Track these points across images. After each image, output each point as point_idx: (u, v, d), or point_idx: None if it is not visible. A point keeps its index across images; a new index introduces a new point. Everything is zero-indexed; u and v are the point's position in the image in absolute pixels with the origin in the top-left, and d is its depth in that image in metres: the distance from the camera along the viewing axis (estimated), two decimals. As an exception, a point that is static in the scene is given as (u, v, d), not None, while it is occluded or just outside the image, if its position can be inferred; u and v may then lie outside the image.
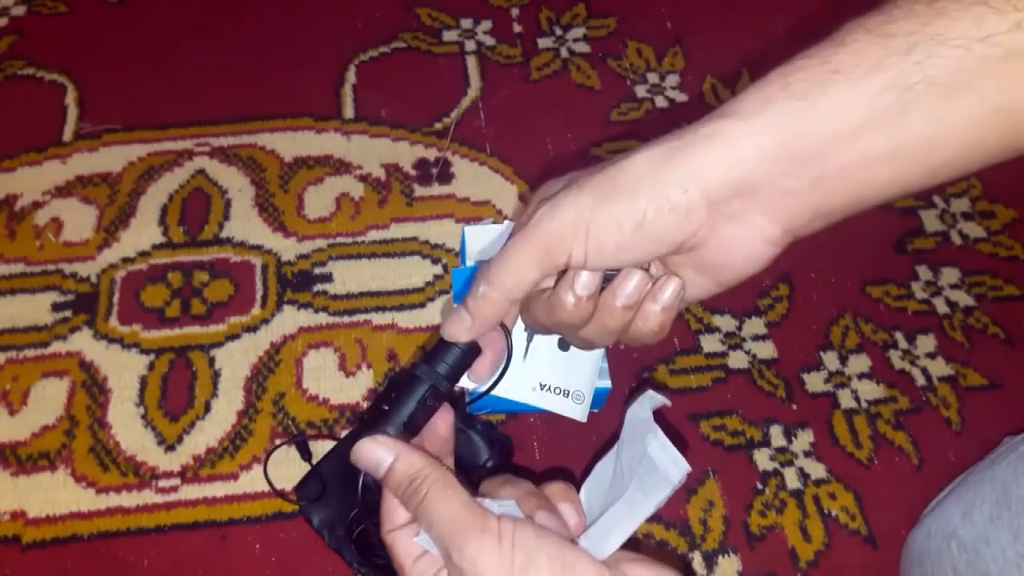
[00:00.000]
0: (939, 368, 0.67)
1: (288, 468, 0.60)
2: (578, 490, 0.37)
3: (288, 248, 0.71)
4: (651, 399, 0.34)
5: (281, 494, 0.59)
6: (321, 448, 0.60)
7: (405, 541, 0.34)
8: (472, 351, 0.37)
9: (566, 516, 0.34)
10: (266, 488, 0.59)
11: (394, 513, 0.35)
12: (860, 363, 0.67)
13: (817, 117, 0.29)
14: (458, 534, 0.31)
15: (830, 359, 0.67)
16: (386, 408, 0.36)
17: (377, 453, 0.34)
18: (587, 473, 0.37)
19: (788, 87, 0.29)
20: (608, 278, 0.34)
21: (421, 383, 0.36)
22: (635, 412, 0.34)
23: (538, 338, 0.51)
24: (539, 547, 0.30)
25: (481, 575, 0.30)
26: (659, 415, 0.34)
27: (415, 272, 0.70)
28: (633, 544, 0.33)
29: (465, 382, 0.39)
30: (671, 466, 0.31)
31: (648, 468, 0.32)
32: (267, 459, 0.60)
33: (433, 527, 0.32)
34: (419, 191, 0.74)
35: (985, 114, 0.28)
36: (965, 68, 0.27)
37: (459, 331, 0.35)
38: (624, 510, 0.32)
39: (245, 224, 0.72)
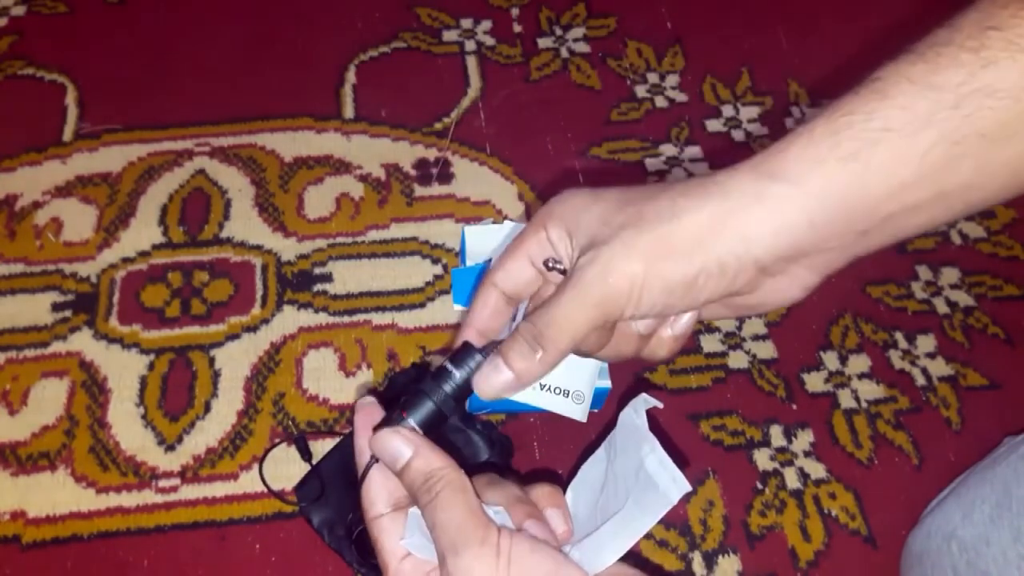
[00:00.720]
0: (939, 368, 0.67)
1: (288, 468, 0.60)
2: (564, 490, 0.37)
3: (288, 248, 0.71)
4: (644, 402, 0.33)
5: (278, 495, 0.59)
6: (321, 448, 0.60)
7: (392, 539, 0.34)
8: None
9: (553, 523, 0.34)
10: (266, 488, 0.59)
11: (377, 498, 0.34)
12: (860, 363, 0.67)
13: (868, 178, 0.29)
14: (459, 541, 0.31)
15: (830, 359, 0.67)
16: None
17: (397, 446, 0.33)
18: (574, 473, 0.36)
19: (838, 146, 0.29)
20: None
21: (430, 396, 0.35)
22: (629, 417, 0.33)
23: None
24: (535, 564, 0.31)
25: None
26: (655, 418, 0.33)
27: (415, 272, 0.70)
28: (631, 549, 0.33)
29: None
30: (671, 485, 0.31)
31: (646, 485, 0.31)
32: (262, 460, 0.60)
33: (436, 528, 0.32)
34: (419, 191, 0.74)
35: None
36: (1012, 118, 0.27)
37: (500, 387, 0.34)
38: (620, 527, 0.32)
39: (245, 224, 0.72)
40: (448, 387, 0.35)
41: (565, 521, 0.35)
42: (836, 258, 0.31)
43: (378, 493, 0.34)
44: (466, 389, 0.36)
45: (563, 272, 0.35)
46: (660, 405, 0.33)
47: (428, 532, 0.32)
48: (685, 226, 0.31)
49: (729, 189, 0.30)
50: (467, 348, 0.36)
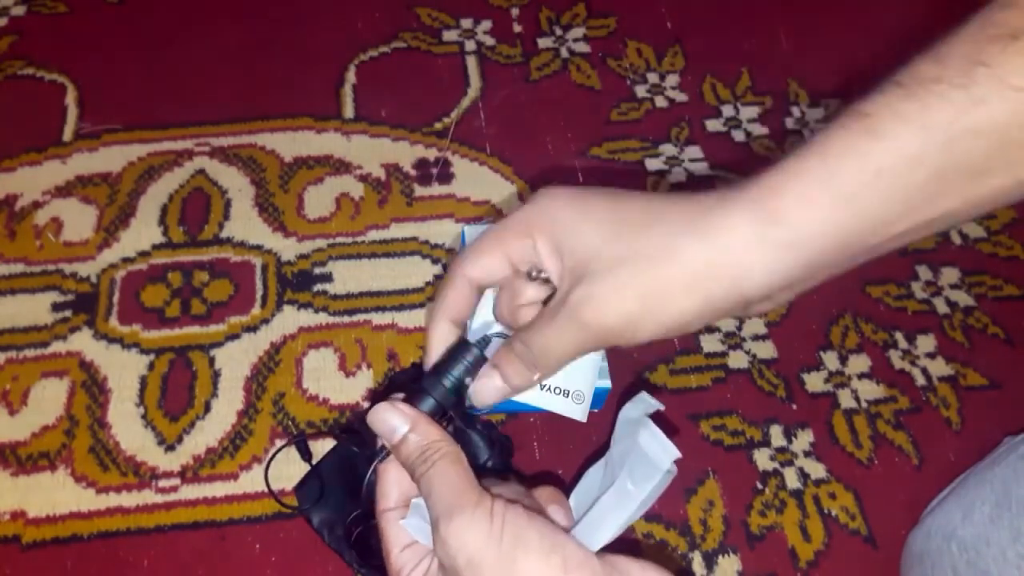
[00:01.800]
0: (939, 368, 0.67)
1: (288, 468, 0.60)
2: (567, 496, 0.37)
3: (288, 248, 0.71)
4: (644, 402, 0.34)
5: (280, 500, 0.59)
6: (321, 448, 0.60)
7: (395, 527, 0.34)
8: (480, 362, 0.37)
9: (556, 519, 0.34)
10: (266, 488, 0.59)
11: (389, 492, 0.35)
12: (860, 363, 0.67)
13: (862, 219, 0.30)
14: (453, 506, 0.31)
15: (830, 359, 0.67)
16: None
17: (393, 420, 0.34)
18: (577, 479, 0.37)
19: (833, 189, 0.29)
20: None
21: (430, 391, 0.36)
22: (627, 413, 0.34)
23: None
24: (529, 527, 0.31)
25: (466, 547, 0.30)
26: (656, 418, 0.34)
27: (415, 272, 0.70)
28: (633, 545, 0.33)
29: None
30: (661, 454, 0.31)
31: (638, 457, 0.32)
32: (268, 465, 0.60)
33: (431, 496, 0.32)
34: (419, 191, 0.74)
35: (1009, 184, 0.29)
36: (996, 153, 0.28)
37: (492, 396, 0.36)
38: (613, 501, 0.32)
39: (245, 224, 0.72)
40: (447, 382, 0.36)
41: (566, 517, 0.35)
42: (823, 280, 0.32)
43: (391, 488, 0.35)
44: (463, 384, 0.36)
45: (546, 281, 0.36)
46: (661, 407, 0.34)
47: (427, 516, 0.32)
48: (680, 268, 0.31)
49: (724, 229, 0.31)
50: (463, 344, 0.37)
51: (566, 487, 0.37)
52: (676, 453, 0.32)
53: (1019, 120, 0.27)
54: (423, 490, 0.33)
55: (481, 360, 0.37)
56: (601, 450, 0.38)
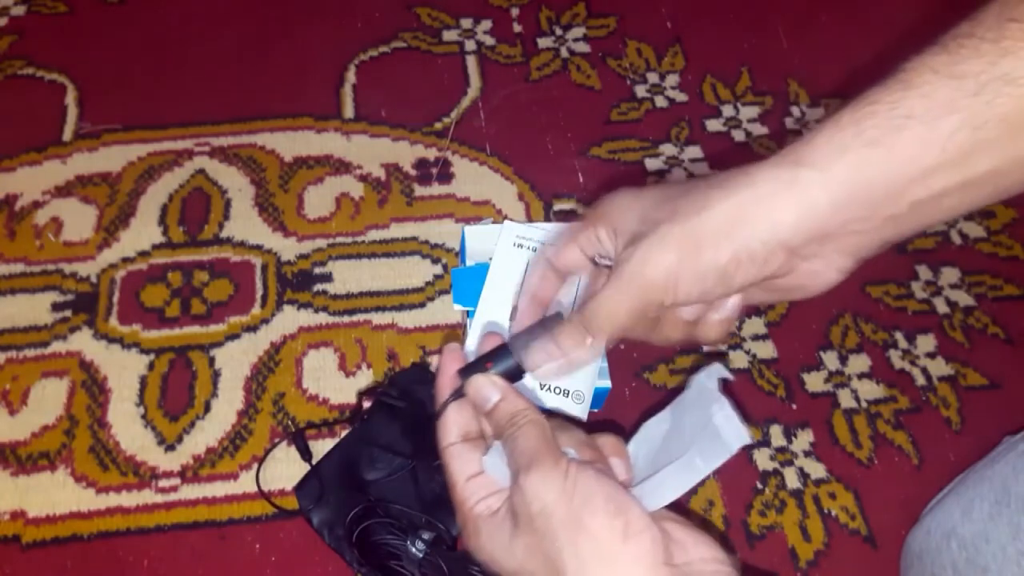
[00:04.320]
0: (939, 368, 0.67)
1: (288, 468, 0.60)
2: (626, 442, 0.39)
3: (288, 248, 0.71)
4: (718, 371, 0.35)
5: (272, 501, 0.59)
6: (321, 448, 0.60)
7: (461, 459, 0.37)
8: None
9: (616, 471, 0.37)
10: (266, 488, 0.59)
11: (450, 430, 0.38)
12: (860, 363, 0.67)
13: (892, 163, 0.30)
14: (533, 462, 0.34)
15: (830, 359, 0.67)
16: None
17: (487, 391, 0.37)
18: (634, 430, 0.39)
19: (862, 133, 0.30)
20: None
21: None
22: (701, 380, 0.36)
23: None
24: (598, 489, 0.33)
25: (540, 498, 0.33)
26: (725, 388, 0.35)
27: (415, 272, 0.70)
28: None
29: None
30: (733, 437, 0.33)
31: (711, 436, 0.33)
32: (260, 464, 0.60)
33: (515, 452, 0.35)
34: (419, 191, 0.74)
35: None
36: None
37: (551, 367, 0.38)
38: (680, 471, 0.34)
39: (245, 224, 0.72)
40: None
41: (627, 470, 0.38)
42: (866, 242, 0.32)
43: (451, 426, 0.38)
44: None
45: (610, 266, 0.38)
46: (732, 378, 0.37)
47: (505, 459, 0.36)
48: (713, 216, 0.32)
49: (756, 179, 0.32)
50: (553, 316, 0.40)
51: (625, 435, 0.39)
52: (748, 439, 0.33)
53: None
54: (508, 446, 0.36)
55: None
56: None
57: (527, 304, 0.42)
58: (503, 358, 0.39)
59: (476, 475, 0.37)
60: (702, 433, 0.34)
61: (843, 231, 0.32)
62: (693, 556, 0.33)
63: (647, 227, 0.34)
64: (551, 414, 0.39)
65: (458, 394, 0.39)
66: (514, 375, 0.38)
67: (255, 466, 0.60)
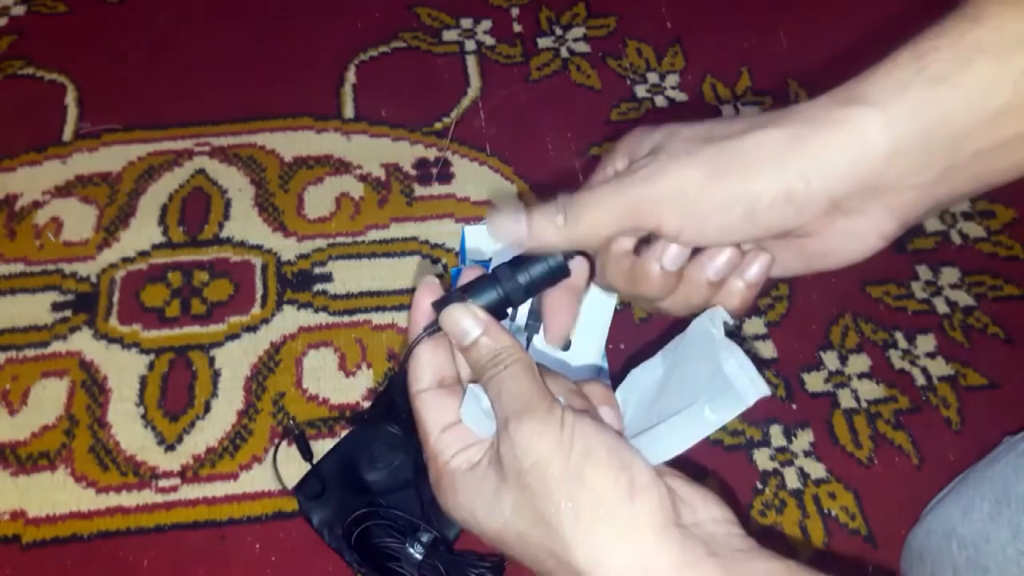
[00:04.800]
0: (939, 368, 0.67)
1: (288, 467, 0.60)
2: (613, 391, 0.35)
3: (288, 248, 0.71)
4: (721, 314, 0.31)
5: (283, 483, 0.59)
6: (321, 447, 0.60)
7: (435, 407, 0.33)
8: (561, 272, 0.34)
9: (607, 420, 0.33)
10: (266, 488, 0.59)
11: (423, 374, 0.33)
12: (860, 363, 0.67)
13: (957, 103, 0.27)
14: (524, 410, 0.29)
15: (830, 359, 0.67)
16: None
17: (465, 322, 0.32)
18: (622, 378, 0.35)
19: (924, 69, 0.27)
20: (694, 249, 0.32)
21: (496, 284, 0.34)
22: (703, 325, 0.32)
23: (538, 338, 0.51)
24: (599, 441, 0.29)
25: (534, 449, 0.29)
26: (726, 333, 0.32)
27: (415, 272, 0.70)
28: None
29: (540, 343, 0.37)
30: (748, 386, 0.29)
31: (722, 386, 0.30)
32: (276, 448, 0.60)
33: (501, 397, 0.30)
34: (419, 191, 0.74)
35: None
36: None
37: (511, 234, 0.33)
38: (685, 423, 0.31)
39: (245, 224, 0.72)
40: (522, 278, 0.34)
41: (618, 420, 0.33)
42: (918, 200, 0.29)
43: (424, 369, 0.33)
44: (538, 284, 0.34)
45: None
46: (732, 322, 0.32)
47: (485, 406, 0.31)
48: (757, 143, 0.29)
49: (806, 115, 0.29)
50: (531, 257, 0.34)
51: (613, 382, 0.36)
52: (766, 390, 0.29)
53: None
54: (491, 390, 0.31)
55: (563, 268, 0.34)
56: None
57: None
58: (486, 289, 0.33)
59: (453, 425, 0.32)
60: (711, 383, 0.30)
61: (896, 184, 0.28)
62: (702, 516, 0.29)
63: (675, 142, 0.30)
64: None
65: (432, 329, 0.33)
66: (499, 310, 0.33)
67: (255, 466, 0.60)
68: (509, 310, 0.35)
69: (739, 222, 0.29)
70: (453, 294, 0.33)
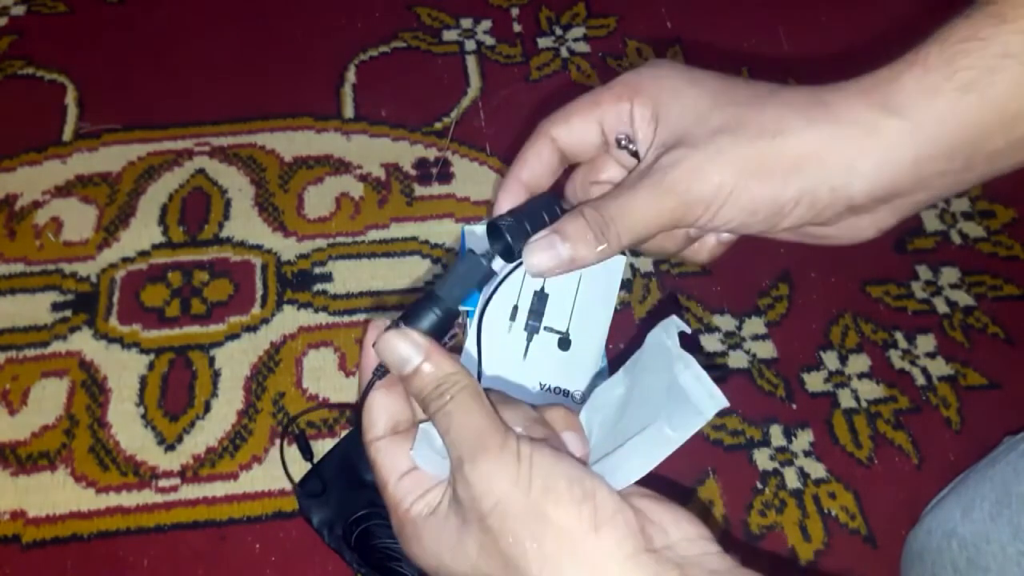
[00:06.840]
0: (939, 368, 0.67)
1: (288, 467, 0.60)
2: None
3: (288, 248, 0.71)
4: (674, 324, 0.31)
5: (290, 476, 0.59)
6: (322, 447, 0.60)
7: (391, 454, 0.31)
8: (487, 276, 0.33)
9: (571, 447, 0.31)
10: (266, 488, 0.59)
11: (377, 419, 0.32)
12: (860, 363, 0.67)
13: (984, 111, 0.27)
14: (477, 447, 0.28)
15: (830, 359, 0.67)
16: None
17: (402, 349, 0.30)
18: (586, 397, 0.34)
19: (954, 76, 0.27)
20: None
21: (438, 303, 0.32)
22: (658, 338, 0.31)
23: (538, 338, 0.51)
24: (558, 472, 0.28)
25: (492, 492, 0.28)
26: (683, 341, 0.31)
27: (415, 272, 0.70)
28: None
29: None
30: (706, 399, 0.29)
31: (679, 400, 0.29)
32: (283, 438, 0.60)
33: (450, 434, 0.29)
34: (419, 191, 0.74)
35: None
36: None
37: (552, 266, 0.31)
38: (647, 443, 0.30)
39: (245, 224, 0.72)
40: (456, 290, 0.32)
41: (583, 445, 0.32)
42: (924, 201, 0.30)
43: (378, 416, 0.32)
44: (471, 290, 0.32)
45: (635, 155, 0.32)
46: (689, 330, 0.31)
47: (437, 445, 0.30)
48: (789, 146, 0.29)
49: (840, 116, 0.29)
50: (495, 229, 0.32)
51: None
52: (724, 402, 0.28)
53: None
54: (440, 426, 0.30)
55: (489, 272, 0.32)
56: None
57: (511, 185, 0.34)
58: (423, 311, 0.31)
59: (411, 471, 0.31)
60: (668, 398, 0.29)
61: (912, 188, 0.29)
62: (675, 537, 0.28)
63: (703, 133, 0.30)
64: (488, 389, 0.32)
65: (381, 371, 0.31)
66: (444, 324, 0.31)
67: (255, 466, 0.60)
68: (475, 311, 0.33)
69: (763, 220, 0.30)
70: (395, 322, 0.31)
